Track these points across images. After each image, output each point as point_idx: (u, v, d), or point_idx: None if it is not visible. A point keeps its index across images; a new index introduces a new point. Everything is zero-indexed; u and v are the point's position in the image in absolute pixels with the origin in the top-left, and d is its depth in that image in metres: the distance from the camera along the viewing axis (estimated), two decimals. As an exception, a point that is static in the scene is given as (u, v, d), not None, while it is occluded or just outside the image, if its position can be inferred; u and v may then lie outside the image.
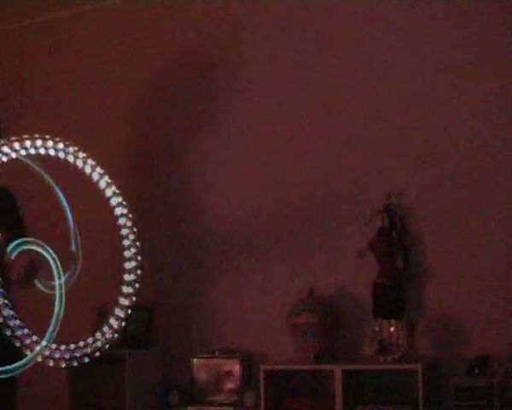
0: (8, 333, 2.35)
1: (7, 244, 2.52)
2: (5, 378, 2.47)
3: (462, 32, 4.02)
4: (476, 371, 3.70)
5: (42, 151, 2.40)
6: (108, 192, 2.50)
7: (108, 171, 2.58)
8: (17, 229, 2.85)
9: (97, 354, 2.52)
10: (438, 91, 4.06)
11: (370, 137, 4.18)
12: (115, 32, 4.88)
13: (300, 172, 4.33)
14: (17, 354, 2.47)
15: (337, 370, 3.83)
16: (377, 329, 3.89)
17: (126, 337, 4.43)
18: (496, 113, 3.94)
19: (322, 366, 3.96)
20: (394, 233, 3.98)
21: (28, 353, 2.40)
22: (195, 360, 4.34)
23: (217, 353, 4.33)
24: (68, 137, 2.56)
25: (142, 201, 4.54)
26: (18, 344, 2.38)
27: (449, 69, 4.04)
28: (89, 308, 4.56)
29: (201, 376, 4.33)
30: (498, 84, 3.93)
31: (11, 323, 2.36)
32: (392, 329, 3.86)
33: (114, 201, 2.50)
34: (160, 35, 4.75)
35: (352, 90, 4.25)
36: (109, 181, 2.51)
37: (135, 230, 2.53)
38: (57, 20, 4.96)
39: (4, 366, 2.43)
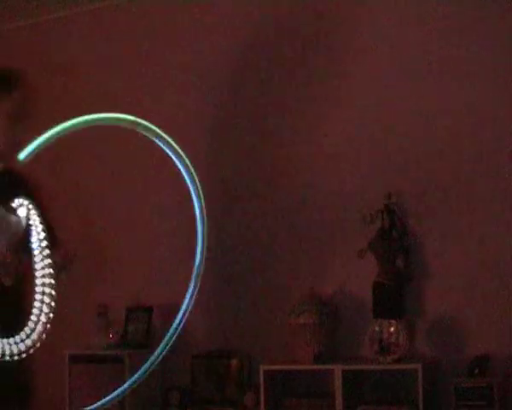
0: None
1: None
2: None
3: (467, 35, 4.01)
4: (476, 371, 3.70)
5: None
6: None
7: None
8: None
9: None
10: (438, 92, 4.06)
11: (371, 137, 4.17)
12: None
13: (300, 171, 4.33)
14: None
15: (337, 370, 3.84)
16: (377, 329, 3.89)
17: (126, 337, 4.43)
18: (496, 114, 3.93)
19: (322, 366, 3.96)
20: (394, 233, 3.98)
21: None
22: (195, 360, 4.34)
23: (217, 353, 4.33)
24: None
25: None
26: None
27: (450, 71, 4.04)
28: (89, 308, 4.58)
29: (201, 376, 4.33)
30: (500, 87, 3.93)
31: None
32: (392, 329, 3.86)
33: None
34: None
35: (352, 90, 4.25)
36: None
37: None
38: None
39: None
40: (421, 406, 3.67)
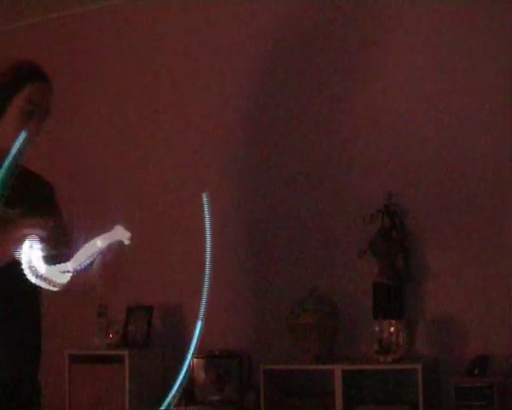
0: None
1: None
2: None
3: (467, 35, 4.01)
4: (476, 371, 3.70)
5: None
6: None
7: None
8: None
9: None
10: (438, 92, 4.06)
11: (371, 137, 4.17)
12: None
13: (300, 171, 4.32)
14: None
15: (337, 370, 3.84)
16: (377, 329, 3.89)
17: (126, 337, 4.43)
18: (498, 115, 3.93)
19: (322, 366, 3.96)
20: (394, 233, 3.98)
21: None
22: (195, 360, 4.34)
23: (217, 353, 4.33)
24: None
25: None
26: None
27: (450, 71, 4.04)
28: (89, 308, 4.58)
29: (201, 376, 4.33)
30: (500, 87, 3.93)
31: None
32: (392, 329, 3.86)
33: None
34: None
35: (350, 88, 4.25)
36: None
37: None
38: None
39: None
40: (421, 406, 3.67)
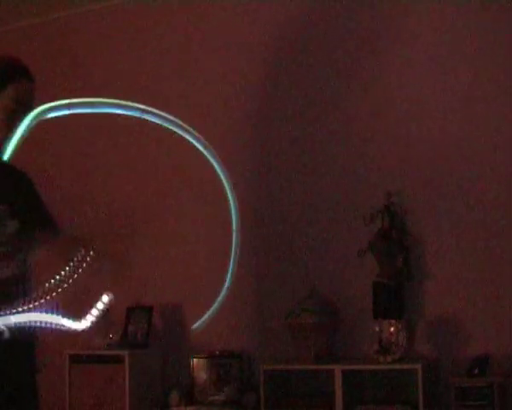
0: None
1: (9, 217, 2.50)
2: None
3: (467, 35, 4.01)
4: (476, 371, 3.70)
5: None
6: None
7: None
8: (33, 214, 2.72)
9: None
10: (439, 92, 4.06)
11: (371, 137, 4.17)
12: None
13: (300, 173, 4.33)
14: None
15: (337, 370, 3.84)
16: (377, 329, 3.89)
17: (126, 337, 4.43)
18: (497, 115, 3.93)
19: (322, 366, 3.96)
20: (394, 233, 3.98)
21: None
22: (195, 360, 4.34)
23: (217, 353, 4.33)
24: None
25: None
26: None
27: (450, 72, 4.04)
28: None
29: (201, 376, 4.33)
30: (501, 87, 3.93)
31: None
32: (392, 329, 3.86)
33: None
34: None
35: (351, 88, 4.25)
36: None
37: None
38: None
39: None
40: (421, 406, 3.67)
